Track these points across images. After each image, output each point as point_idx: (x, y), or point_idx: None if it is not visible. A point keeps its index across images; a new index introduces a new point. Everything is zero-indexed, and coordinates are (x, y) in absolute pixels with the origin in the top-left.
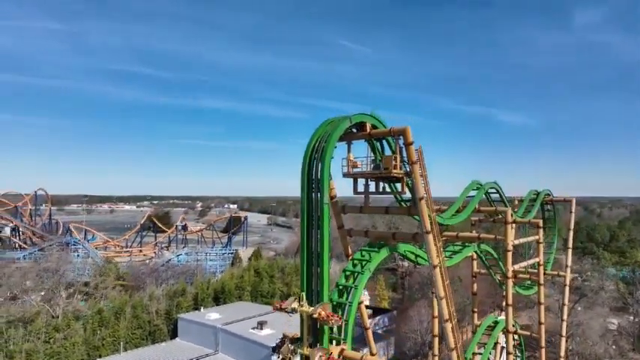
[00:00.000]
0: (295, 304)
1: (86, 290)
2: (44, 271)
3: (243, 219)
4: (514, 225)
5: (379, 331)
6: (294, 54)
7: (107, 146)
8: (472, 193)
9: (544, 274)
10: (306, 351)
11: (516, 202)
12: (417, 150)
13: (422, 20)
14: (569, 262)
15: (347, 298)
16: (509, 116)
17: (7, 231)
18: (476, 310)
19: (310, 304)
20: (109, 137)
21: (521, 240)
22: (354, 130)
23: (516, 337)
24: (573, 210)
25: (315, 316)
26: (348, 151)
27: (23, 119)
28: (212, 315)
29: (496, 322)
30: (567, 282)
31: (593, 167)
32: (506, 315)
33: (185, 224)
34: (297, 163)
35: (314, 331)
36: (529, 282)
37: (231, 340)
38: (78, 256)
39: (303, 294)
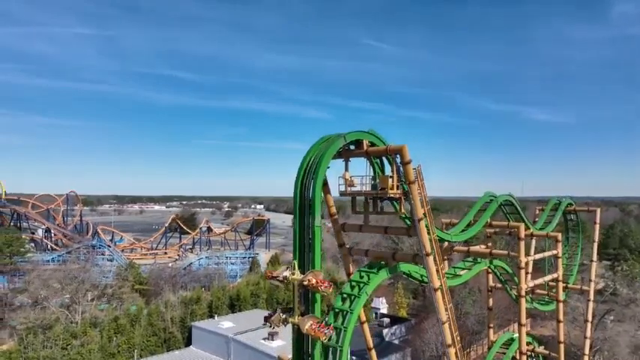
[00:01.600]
0: (287, 273)
1: (110, 293)
2: (65, 278)
3: (266, 221)
4: (533, 238)
5: (395, 341)
6: (318, 54)
7: (138, 147)
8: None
9: (565, 288)
10: (297, 320)
11: (537, 212)
12: (415, 169)
13: (448, 17)
14: (593, 276)
15: (342, 323)
16: (539, 114)
17: (40, 233)
18: (492, 325)
19: (302, 273)
20: (140, 139)
21: (537, 256)
22: (352, 147)
23: (534, 355)
24: (598, 221)
25: (305, 283)
26: (346, 169)
27: (60, 122)
28: (225, 324)
29: (512, 340)
30: (591, 297)
31: (633, 165)
32: (520, 336)
33: (209, 227)
34: None
35: (305, 301)
36: (547, 298)
37: (243, 350)
38: (103, 259)
39: (295, 262)
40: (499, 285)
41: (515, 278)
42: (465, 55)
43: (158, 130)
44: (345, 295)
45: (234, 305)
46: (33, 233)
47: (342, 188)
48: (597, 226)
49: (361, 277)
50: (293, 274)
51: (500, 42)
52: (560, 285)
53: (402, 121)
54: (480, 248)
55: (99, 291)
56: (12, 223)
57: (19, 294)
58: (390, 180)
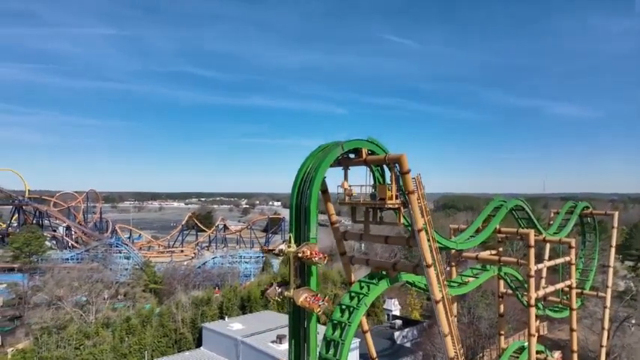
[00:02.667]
0: (283, 246)
1: (123, 293)
2: (79, 278)
3: (281, 220)
4: (548, 246)
5: (407, 344)
6: (340, 51)
7: (159, 145)
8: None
9: (580, 294)
10: (292, 293)
11: (552, 215)
12: (414, 178)
13: (471, 11)
14: (610, 283)
15: (340, 336)
16: (563, 108)
17: (61, 230)
18: (502, 332)
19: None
20: (160, 136)
21: (548, 263)
22: (352, 156)
23: None
24: (615, 225)
25: (300, 255)
26: (345, 177)
27: (84, 121)
28: (235, 325)
29: (523, 348)
30: (608, 304)
31: None
32: (529, 346)
33: (225, 224)
34: None
35: (301, 274)
36: (560, 305)
37: (251, 352)
38: (120, 257)
39: (292, 235)
40: (510, 291)
41: (526, 285)
42: (487, 50)
43: (178, 127)
44: (344, 307)
45: (245, 306)
46: (54, 231)
47: (342, 197)
48: (615, 231)
49: (361, 287)
50: (289, 247)
51: (523, 36)
52: (574, 292)
53: (422, 117)
54: (489, 255)
55: (112, 291)
56: (34, 221)
57: (38, 292)
58: (389, 189)
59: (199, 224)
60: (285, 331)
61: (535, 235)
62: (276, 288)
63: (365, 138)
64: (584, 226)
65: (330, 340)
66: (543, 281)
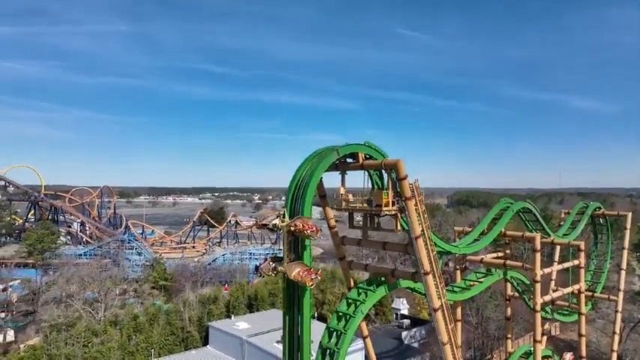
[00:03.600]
0: (277, 221)
1: (130, 290)
2: (87, 276)
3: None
4: (559, 247)
5: (415, 344)
6: (352, 46)
7: (173, 140)
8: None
9: (591, 297)
10: (286, 267)
11: (563, 215)
12: (412, 184)
13: (486, 2)
14: (622, 286)
15: (336, 344)
16: (581, 102)
17: (76, 226)
18: (509, 335)
19: None
20: (174, 132)
21: (555, 268)
22: (349, 160)
23: None
24: (628, 226)
25: (292, 228)
26: (342, 182)
27: (100, 116)
28: (240, 324)
29: (530, 353)
30: (619, 308)
31: None
32: (535, 353)
33: (236, 220)
34: None
35: (295, 249)
36: (569, 309)
37: (256, 352)
38: (132, 253)
39: (286, 210)
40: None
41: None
42: (503, 43)
43: (193, 123)
44: (340, 314)
45: (252, 305)
46: (69, 226)
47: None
48: (628, 232)
49: (359, 294)
50: (283, 221)
51: (541, 28)
52: (583, 297)
53: (435, 111)
54: (495, 258)
55: (120, 289)
56: (50, 217)
57: (51, 287)
58: (386, 196)
59: (210, 220)
60: None
61: (543, 238)
62: (270, 263)
63: (362, 142)
64: (596, 226)
65: (325, 347)
66: (553, 283)
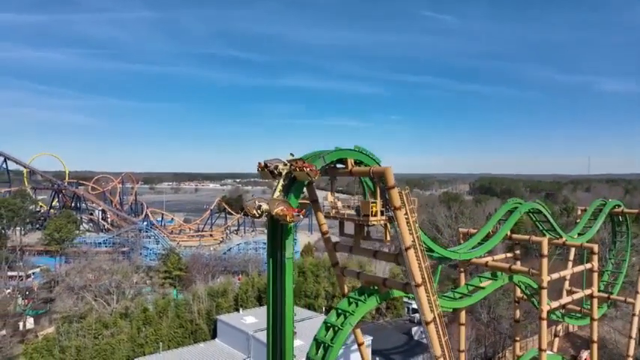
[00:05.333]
0: (281, 165)
1: (150, 276)
2: (98, 269)
3: (308, 203)
4: (572, 249)
5: (424, 341)
6: (376, 29)
7: (196, 126)
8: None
9: (607, 299)
10: (269, 205)
11: (579, 212)
12: (401, 193)
13: None
14: None
15: (323, 357)
16: (612, 85)
17: (97, 214)
18: (518, 338)
19: None
20: (198, 117)
21: (564, 272)
22: (339, 165)
23: None
24: None
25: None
26: (331, 189)
27: (126, 104)
28: (248, 319)
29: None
30: (637, 311)
31: None
32: None
33: None
34: (377, 140)
35: (287, 192)
36: (580, 314)
37: (262, 348)
38: (149, 241)
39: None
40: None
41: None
42: (531, 24)
43: (217, 109)
44: (328, 324)
45: (262, 297)
46: (91, 214)
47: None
48: None
49: (349, 303)
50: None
51: (571, 7)
52: (595, 302)
53: (461, 96)
54: (502, 260)
55: (137, 277)
56: (73, 204)
57: (64, 278)
58: (375, 205)
59: (228, 208)
60: (298, 327)
61: (554, 239)
62: (256, 201)
63: (352, 147)
64: (615, 224)
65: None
66: (567, 283)
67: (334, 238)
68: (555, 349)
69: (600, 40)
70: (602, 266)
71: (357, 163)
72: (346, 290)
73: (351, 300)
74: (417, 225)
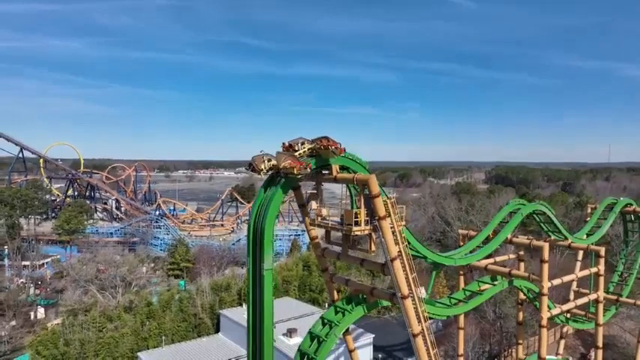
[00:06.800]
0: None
1: (161, 267)
2: (104, 262)
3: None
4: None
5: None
6: (390, 16)
7: (211, 114)
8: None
9: (616, 301)
10: (275, 160)
11: (589, 210)
12: (386, 201)
13: None
14: None
15: None
16: (635, 70)
17: (111, 203)
18: (521, 341)
19: None
20: (212, 105)
21: (566, 278)
22: (325, 171)
23: None
24: None
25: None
26: (318, 196)
27: (142, 92)
28: None
29: None
30: None
31: None
32: None
33: None
34: (393, 126)
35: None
36: (584, 318)
37: None
38: (160, 232)
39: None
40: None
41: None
42: (551, 8)
43: (231, 97)
44: (313, 334)
45: None
46: (105, 203)
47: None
48: None
49: (336, 312)
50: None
51: None
52: (601, 307)
53: (478, 83)
54: (503, 263)
55: (149, 267)
56: (87, 194)
57: (70, 271)
58: (358, 214)
59: (239, 197)
60: (298, 324)
61: (560, 240)
62: (264, 156)
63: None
64: (627, 223)
65: None
66: (575, 284)
67: (325, 244)
68: (562, 350)
69: (622, 26)
70: (615, 264)
71: (344, 168)
72: (336, 297)
73: (338, 309)
74: (403, 235)
